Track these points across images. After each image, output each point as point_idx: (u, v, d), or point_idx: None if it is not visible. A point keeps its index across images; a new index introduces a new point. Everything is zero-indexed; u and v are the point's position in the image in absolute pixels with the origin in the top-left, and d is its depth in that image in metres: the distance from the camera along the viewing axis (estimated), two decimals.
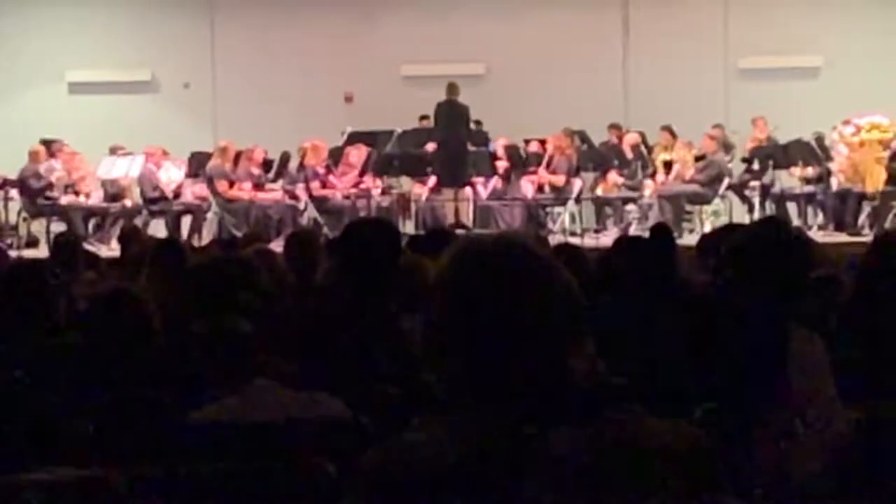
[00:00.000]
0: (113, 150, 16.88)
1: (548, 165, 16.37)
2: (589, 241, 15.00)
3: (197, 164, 16.61)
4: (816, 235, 13.95)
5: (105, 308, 4.69)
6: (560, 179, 16.19)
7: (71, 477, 3.43)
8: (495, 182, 16.48)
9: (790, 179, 16.53)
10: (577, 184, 16.25)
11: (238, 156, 16.45)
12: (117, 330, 4.60)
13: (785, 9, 19.15)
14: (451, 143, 15.84)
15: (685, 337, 4.12)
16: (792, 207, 16.25)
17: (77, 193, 16.24)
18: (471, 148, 16.20)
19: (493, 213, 16.35)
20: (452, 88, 15.98)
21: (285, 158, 16.78)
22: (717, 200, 16.03)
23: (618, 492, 1.88)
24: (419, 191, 16.50)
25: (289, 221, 15.80)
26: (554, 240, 13.14)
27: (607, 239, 13.67)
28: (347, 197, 16.22)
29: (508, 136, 16.93)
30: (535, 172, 16.47)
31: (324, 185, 16.20)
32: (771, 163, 16.31)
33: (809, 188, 16.26)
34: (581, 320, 1.98)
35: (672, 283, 6.37)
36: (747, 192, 16.57)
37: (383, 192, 16.40)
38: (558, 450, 1.88)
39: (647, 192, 16.26)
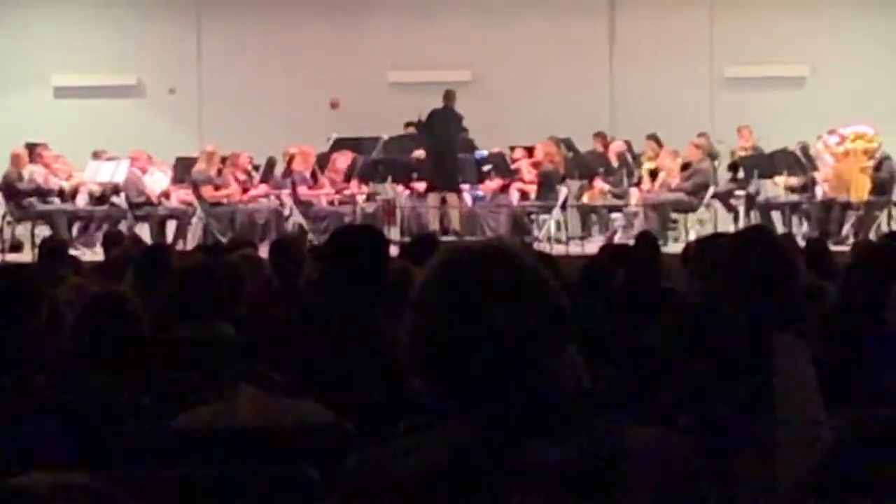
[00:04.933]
0: (96, 155, 16.85)
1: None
2: (574, 248, 15.03)
3: (182, 169, 16.58)
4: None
5: (94, 310, 4.68)
6: (531, 189, 16.31)
7: (54, 482, 3.42)
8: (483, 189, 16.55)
9: (775, 188, 16.57)
10: (562, 191, 16.27)
11: (223, 161, 16.44)
12: (106, 332, 4.58)
13: (770, 18, 19.20)
14: (445, 148, 15.84)
15: (669, 345, 4.12)
16: (777, 216, 16.28)
17: (62, 197, 16.20)
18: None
19: (479, 220, 16.36)
20: (450, 95, 15.99)
21: (271, 164, 16.77)
22: (702, 209, 16.06)
23: (602, 501, 1.88)
24: (402, 192, 16.50)
25: (274, 227, 15.80)
26: (539, 247, 13.16)
27: (592, 246, 13.70)
28: (332, 203, 16.24)
29: (494, 144, 16.94)
30: (521, 180, 16.51)
31: (311, 190, 16.21)
32: (756, 172, 16.36)
33: (794, 197, 16.29)
34: (566, 328, 1.98)
35: (656, 290, 6.38)
36: (732, 201, 16.61)
37: (368, 199, 16.41)
38: (543, 458, 1.88)
39: (632, 201, 16.28)
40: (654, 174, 16.46)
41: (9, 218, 16.03)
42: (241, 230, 15.36)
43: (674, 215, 16.13)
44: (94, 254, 13.99)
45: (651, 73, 19.15)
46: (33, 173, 16.02)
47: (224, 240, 14.09)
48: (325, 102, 19.50)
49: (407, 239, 13.10)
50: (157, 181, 16.47)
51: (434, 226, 15.85)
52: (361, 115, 18.21)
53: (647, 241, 9.41)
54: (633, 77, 19.36)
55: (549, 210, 16.16)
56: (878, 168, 15.72)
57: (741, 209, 16.38)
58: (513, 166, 16.71)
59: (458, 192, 16.26)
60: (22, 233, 15.97)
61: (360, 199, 16.24)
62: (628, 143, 17.36)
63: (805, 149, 16.34)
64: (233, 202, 16.10)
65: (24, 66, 19.45)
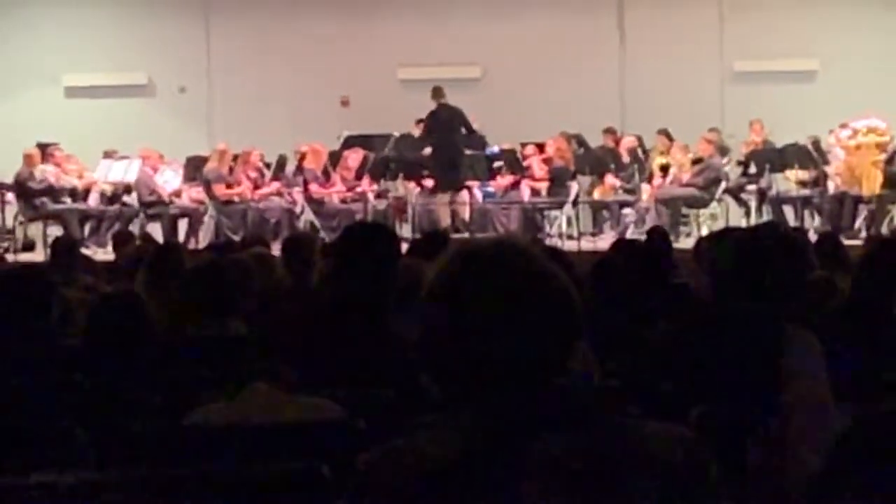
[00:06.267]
0: (107, 154, 16.90)
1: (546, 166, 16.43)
2: (586, 244, 15.01)
3: (193, 168, 16.61)
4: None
5: (107, 309, 4.69)
6: (543, 186, 16.31)
7: (67, 480, 3.43)
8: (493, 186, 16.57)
9: (786, 183, 16.54)
10: (573, 187, 16.26)
11: (235, 159, 16.46)
12: (118, 331, 4.60)
13: (781, 12, 19.16)
14: (449, 147, 15.85)
15: (681, 340, 4.12)
16: (788, 211, 16.25)
17: (74, 197, 16.24)
18: (468, 152, 16.21)
19: (490, 217, 16.37)
20: (439, 92, 15.98)
21: (282, 162, 16.79)
22: (713, 204, 16.02)
23: (613, 495, 1.88)
24: (413, 189, 16.51)
25: (286, 224, 15.82)
26: (550, 244, 13.15)
27: (604, 242, 13.69)
28: (344, 200, 16.25)
29: (504, 140, 16.95)
30: (532, 176, 16.52)
31: (322, 187, 16.23)
32: (767, 166, 16.32)
33: (806, 191, 16.27)
34: (578, 324, 1.98)
35: (668, 286, 6.38)
36: (744, 196, 16.57)
37: (379, 196, 16.42)
38: (554, 453, 1.88)
39: (643, 196, 16.27)
40: (665, 169, 16.43)
41: (21, 217, 16.08)
42: (253, 228, 15.37)
43: (685, 210, 16.10)
44: (105, 253, 14.01)
45: (661, 68, 19.12)
46: (45, 173, 16.05)
47: (236, 238, 14.11)
48: (335, 100, 19.51)
49: (418, 236, 13.09)
50: (168, 180, 16.50)
51: (445, 222, 15.86)
52: (372, 112, 18.21)
53: (659, 236, 9.39)
54: (643, 72, 19.33)
55: (560, 206, 16.16)
56: (889, 162, 15.68)
57: (752, 204, 16.35)
58: (524, 163, 16.71)
59: (468, 189, 16.24)
60: (34, 232, 16.02)
61: (372, 196, 16.25)
62: (639, 139, 17.35)
63: (816, 143, 16.31)
64: (244, 200, 16.12)
65: (35, 66, 19.49)
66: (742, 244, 4.11)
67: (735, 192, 16.56)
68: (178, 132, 18.88)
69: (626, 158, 16.88)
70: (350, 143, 17.09)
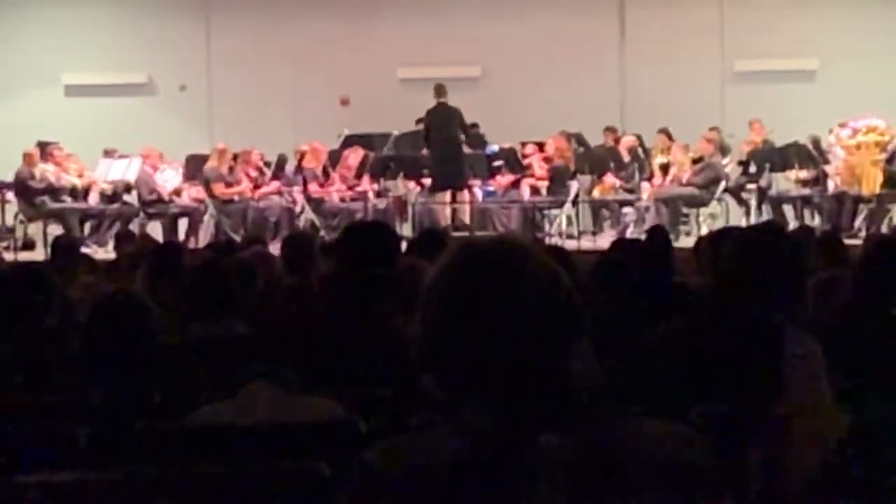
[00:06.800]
0: (107, 153, 16.90)
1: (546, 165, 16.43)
2: (586, 243, 15.01)
3: (193, 167, 16.61)
4: None
5: (107, 309, 4.69)
6: (543, 185, 16.32)
7: (68, 479, 3.43)
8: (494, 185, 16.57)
9: (787, 182, 16.54)
10: (573, 186, 16.27)
11: (235, 158, 16.46)
12: (118, 332, 4.59)
13: (781, 11, 19.16)
14: (449, 145, 15.84)
15: (682, 339, 4.12)
16: (788, 210, 16.26)
17: (74, 196, 16.23)
18: (467, 151, 16.20)
19: (490, 216, 16.37)
20: (442, 90, 15.97)
21: (282, 161, 16.79)
22: (713, 203, 16.03)
23: (614, 495, 1.88)
24: (413, 189, 16.51)
25: (286, 224, 15.82)
26: (551, 242, 13.16)
27: (604, 241, 13.68)
28: (344, 199, 16.26)
29: (504, 139, 16.95)
30: (532, 175, 16.52)
31: (322, 186, 16.24)
32: (767, 165, 16.33)
33: (806, 191, 16.27)
34: (578, 322, 1.98)
35: (668, 285, 6.37)
36: (744, 195, 16.57)
37: (379, 195, 16.42)
38: (555, 452, 1.88)
39: (643, 195, 16.27)
40: (665, 168, 16.45)
41: (21, 216, 16.07)
42: (253, 227, 15.38)
43: (685, 209, 16.11)
44: (106, 252, 14.01)
45: (661, 67, 19.13)
46: (45, 172, 16.05)
47: (236, 237, 14.11)
48: (335, 99, 19.50)
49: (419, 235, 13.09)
50: (168, 179, 16.51)
51: (445, 222, 15.86)
52: (371, 111, 18.21)
53: (659, 235, 9.39)
54: (643, 72, 19.33)
55: (560, 205, 16.17)
56: (889, 161, 15.68)
57: (753, 203, 16.35)
58: (524, 162, 16.71)
59: (468, 188, 16.25)
60: (34, 231, 16.02)
61: (372, 195, 16.25)
62: (639, 138, 17.35)
63: (816, 142, 16.31)
64: (244, 199, 16.13)
65: (35, 65, 19.49)
66: (742, 244, 4.11)
67: (735, 192, 16.57)
68: (178, 131, 18.89)
69: (626, 157, 16.89)
70: (350, 142, 17.10)
